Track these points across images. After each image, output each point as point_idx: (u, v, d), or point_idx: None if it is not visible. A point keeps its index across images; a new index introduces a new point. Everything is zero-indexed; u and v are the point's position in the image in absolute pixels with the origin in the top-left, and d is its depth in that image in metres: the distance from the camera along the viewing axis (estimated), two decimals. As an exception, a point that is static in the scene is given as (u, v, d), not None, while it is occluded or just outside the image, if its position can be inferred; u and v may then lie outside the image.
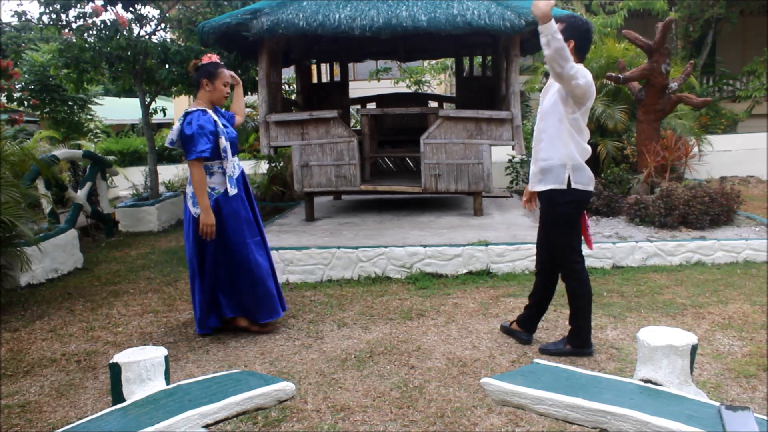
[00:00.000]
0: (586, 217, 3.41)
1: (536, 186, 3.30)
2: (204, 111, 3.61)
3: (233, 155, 3.74)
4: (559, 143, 3.17)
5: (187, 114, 3.62)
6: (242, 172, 3.85)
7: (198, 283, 3.79)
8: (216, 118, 3.64)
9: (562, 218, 3.26)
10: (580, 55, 3.21)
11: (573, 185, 3.17)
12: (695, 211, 5.46)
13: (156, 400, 1.84)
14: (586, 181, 3.21)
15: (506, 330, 3.71)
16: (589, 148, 3.27)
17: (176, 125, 3.66)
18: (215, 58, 3.72)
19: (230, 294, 3.83)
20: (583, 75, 3.04)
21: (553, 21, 2.87)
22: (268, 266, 3.87)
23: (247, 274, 3.76)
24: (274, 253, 5.01)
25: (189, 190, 3.71)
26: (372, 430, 2.67)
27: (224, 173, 3.67)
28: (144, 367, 1.97)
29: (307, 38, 6.40)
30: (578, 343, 3.38)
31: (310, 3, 5.69)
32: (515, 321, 3.66)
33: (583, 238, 3.39)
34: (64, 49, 7.67)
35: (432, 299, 4.43)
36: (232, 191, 3.69)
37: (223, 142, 3.61)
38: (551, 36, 2.86)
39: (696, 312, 3.97)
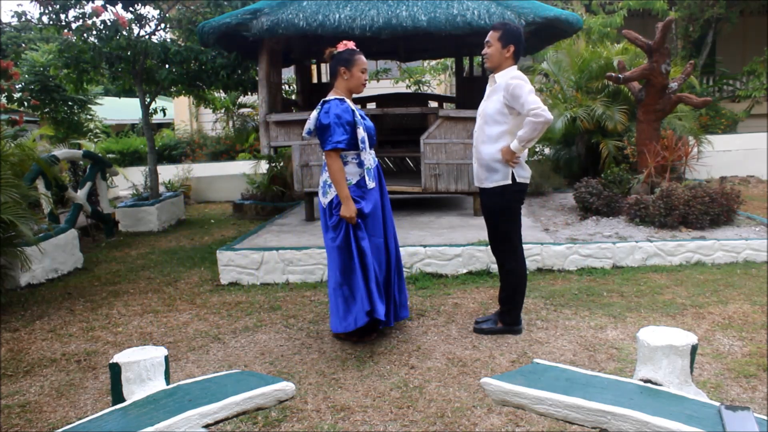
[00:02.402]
0: None
1: (484, 183, 3.59)
2: (342, 100, 3.46)
3: (371, 147, 3.58)
4: (504, 143, 3.45)
5: (324, 103, 3.47)
6: (378, 166, 3.65)
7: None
8: (354, 107, 3.49)
9: (508, 208, 3.58)
10: (516, 58, 3.50)
11: (518, 179, 3.52)
12: (695, 211, 5.46)
13: (156, 400, 1.83)
14: (526, 174, 3.57)
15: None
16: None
17: (313, 114, 3.50)
18: (351, 44, 3.55)
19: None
20: (541, 107, 3.29)
21: (516, 144, 3.39)
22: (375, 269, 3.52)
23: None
24: (273, 254, 5.02)
25: (322, 179, 3.58)
26: (372, 430, 2.67)
27: (360, 164, 3.50)
28: (144, 367, 1.97)
29: (307, 38, 6.39)
30: (509, 320, 3.68)
31: (310, 3, 5.69)
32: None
33: None
34: (64, 49, 7.67)
35: (432, 299, 4.43)
36: (371, 184, 3.51)
37: (361, 133, 3.43)
38: (524, 144, 3.39)
39: (696, 312, 3.97)
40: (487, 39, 3.49)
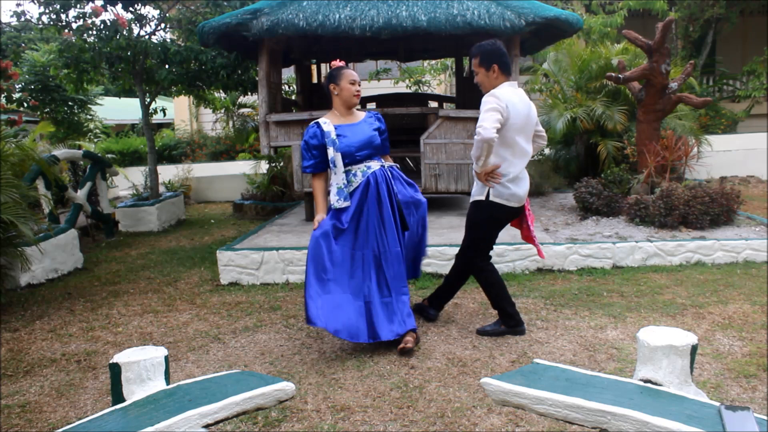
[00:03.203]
0: (531, 225, 3.78)
1: (471, 197, 3.67)
2: (316, 123, 3.54)
3: (361, 161, 3.54)
4: (493, 159, 3.42)
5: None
6: (370, 179, 3.52)
7: None
8: (330, 128, 3.49)
9: (477, 223, 3.63)
10: (506, 72, 3.48)
11: (491, 198, 3.50)
12: (695, 211, 5.46)
13: (156, 400, 1.84)
14: (506, 196, 3.49)
15: (418, 307, 4.00)
16: (518, 164, 3.49)
17: None
18: (340, 63, 3.61)
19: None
20: (483, 125, 3.26)
21: (475, 164, 3.44)
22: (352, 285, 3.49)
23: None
24: (273, 254, 5.02)
25: None
26: (372, 430, 2.67)
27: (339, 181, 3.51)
28: (144, 367, 1.97)
29: (307, 38, 6.40)
30: (511, 323, 3.69)
31: (310, 3, 5.69)
32: (426, 298, 4.06)
33: (534, 247, 3.89)
34: (64, 49, 7.67)
35: (432, 299, 4.43)
36: (339, 203, 3.46)
37: (331, 153, 3.46)
38: (476, 161, 3.40)
39: (696, 312, 3.97)
40: (473, 68, 3.52)
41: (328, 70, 3.65)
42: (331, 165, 3.50)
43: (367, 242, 3.50)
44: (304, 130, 3.64)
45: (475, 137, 3.30)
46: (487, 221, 3.61)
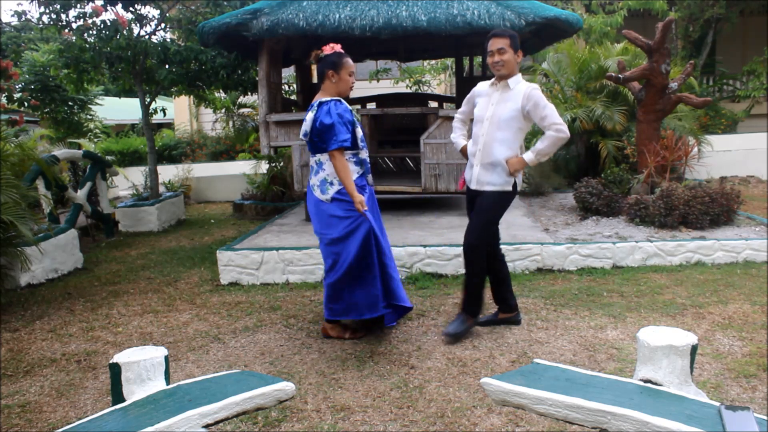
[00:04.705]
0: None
1: (485, 186, 3.57)
2: (339, 101, 3.49)
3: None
4: (515, 151, 3.52)
5: (321, 104, 3.45)
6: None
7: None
8: (348, 108, 3.53)
9: (500, 212, 3.64)
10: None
11: (518, 187, 3.62)
12: (695, 211, 5.46)
13: (156, 400, 1.84)
14: (521, 180, 3.69)
15: (494, 322, 3.88)
16: None
17: (309, 116, 3.47)
18: (338, 47, 3.52)
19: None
20: (563, 123, 3.41)
21: (531, 156, 3.45)
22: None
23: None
24: (273, 254, 5.02)
25: (318, 178, 3.54)
26: (372, 430, 2.67)
27: (357, 162, 3.56)
28: (144, 367, 1.97)
29: (307, 38, 6.39)
30: (507, 308, 3.84)
31: (310, 3, 5.69)
32: (500, 311, 3.89)
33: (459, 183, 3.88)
34: (64, 49, 7.68)
35: (432, 299, 4.43)
36: (371, 179, 3.69)
37: (360, 132, 3.54)
38: (540, 158, 3.49)
39: (696, 312, 3.97)
40: (499, 47, 3.40)
41: (325, 54, 3.51)
42: (360, 144, 3.56)
43: (379, 224, 3.69)
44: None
45: (556, 134, 3.36)
46: (506, 209, 3.65)
